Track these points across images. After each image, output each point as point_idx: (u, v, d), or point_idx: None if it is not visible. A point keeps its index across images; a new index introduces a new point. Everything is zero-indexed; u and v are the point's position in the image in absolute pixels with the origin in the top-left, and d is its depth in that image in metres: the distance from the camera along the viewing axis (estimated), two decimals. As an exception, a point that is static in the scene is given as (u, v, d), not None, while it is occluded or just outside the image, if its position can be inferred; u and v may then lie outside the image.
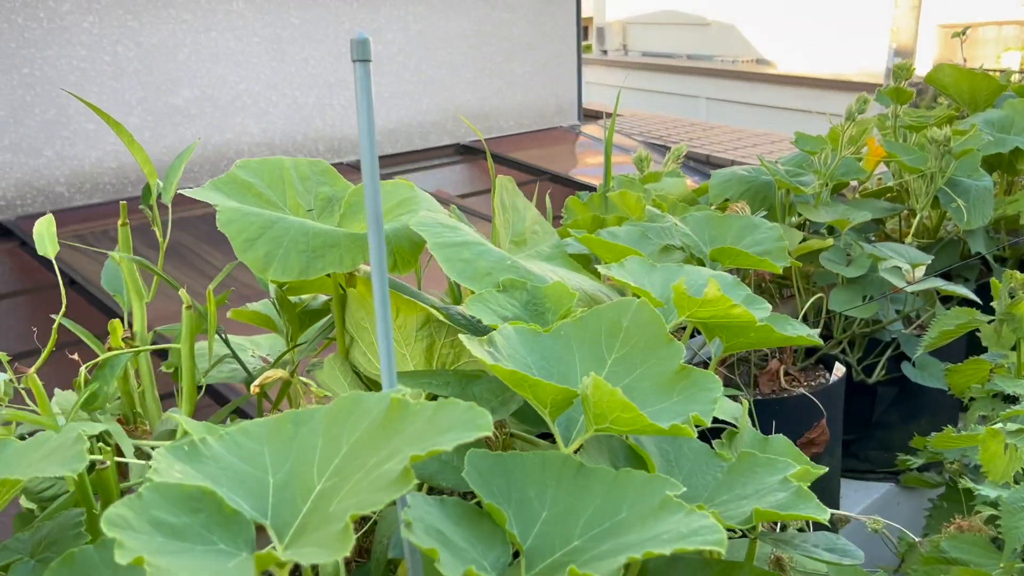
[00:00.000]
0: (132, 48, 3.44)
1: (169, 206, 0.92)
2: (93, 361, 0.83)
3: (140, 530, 0.40)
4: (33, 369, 0.76)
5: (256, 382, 0.85)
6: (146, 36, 3.46)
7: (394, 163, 4.23)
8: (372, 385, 0.88)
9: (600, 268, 0.76)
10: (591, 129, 4.72)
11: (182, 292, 0.83)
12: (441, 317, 0.80)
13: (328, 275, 0.88)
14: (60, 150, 3.35)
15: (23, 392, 0.85)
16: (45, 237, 0.80)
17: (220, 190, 0.82)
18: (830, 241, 1.10)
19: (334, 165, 4.12)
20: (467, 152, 4.46)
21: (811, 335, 0.79)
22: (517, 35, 4.52)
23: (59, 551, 0.52)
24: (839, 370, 1.20)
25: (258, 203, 0.82)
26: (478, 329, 0.80)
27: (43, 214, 3.11)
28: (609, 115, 5.13)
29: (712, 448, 0.66)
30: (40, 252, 0.82)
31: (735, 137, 4.49)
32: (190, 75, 3.60)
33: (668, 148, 4.82)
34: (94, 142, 3.41)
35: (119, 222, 0.87)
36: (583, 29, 4.83)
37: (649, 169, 1.42)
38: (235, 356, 0.91)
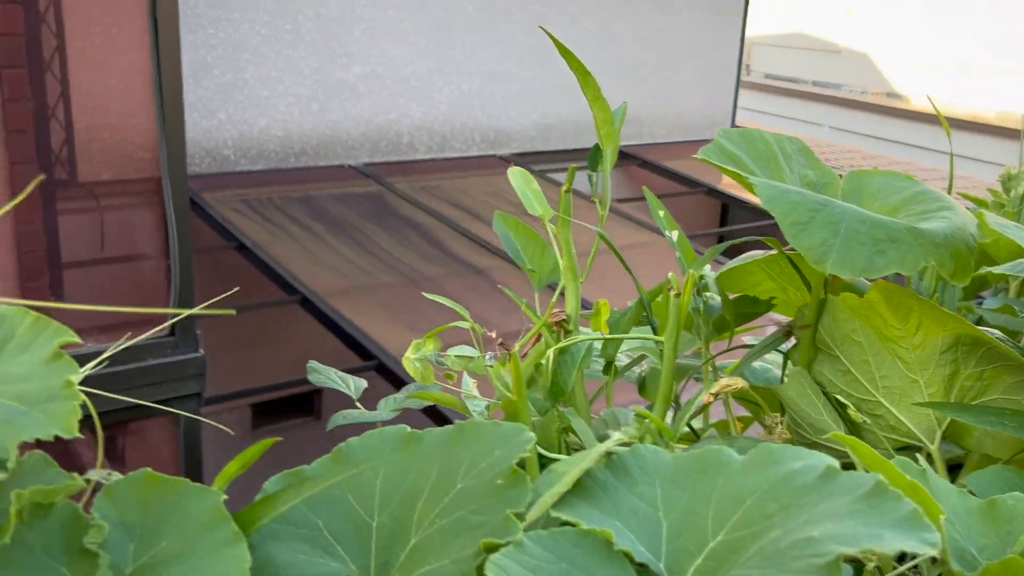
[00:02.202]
0: (312, 18, 3.39)
1: (608, 170, 0.80)
2: (559, 345, 0.71)
3: None
4: (517, 346, 0.65)
5: (713, 390, 0.73)
6: (327, 8, 3.41)
7: (544, 160, 4.13)
8: (841, 410, 0.75)
9: None
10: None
11: (672, 277, 0.71)
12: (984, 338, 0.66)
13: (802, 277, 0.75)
14: (232, 113, 3.31)
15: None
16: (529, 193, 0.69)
17: (712, 160, 0.70)
18: None
19: (490, 157, 4.04)
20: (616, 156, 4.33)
21: None
22: (682, 42, 4.38)
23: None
24: None
25: (752, 181, 0.70)
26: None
27: (210, 175, 3.08)
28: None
29: None
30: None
31: (903, 171, 4.27)
32: (363, 51, 3.54)
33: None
34: (264, 109, 3.37)
35: (563, 188, 0.76)
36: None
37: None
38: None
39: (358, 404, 0.91)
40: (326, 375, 0.92)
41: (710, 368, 0.86)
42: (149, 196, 3.13)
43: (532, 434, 0.45)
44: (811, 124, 8.96)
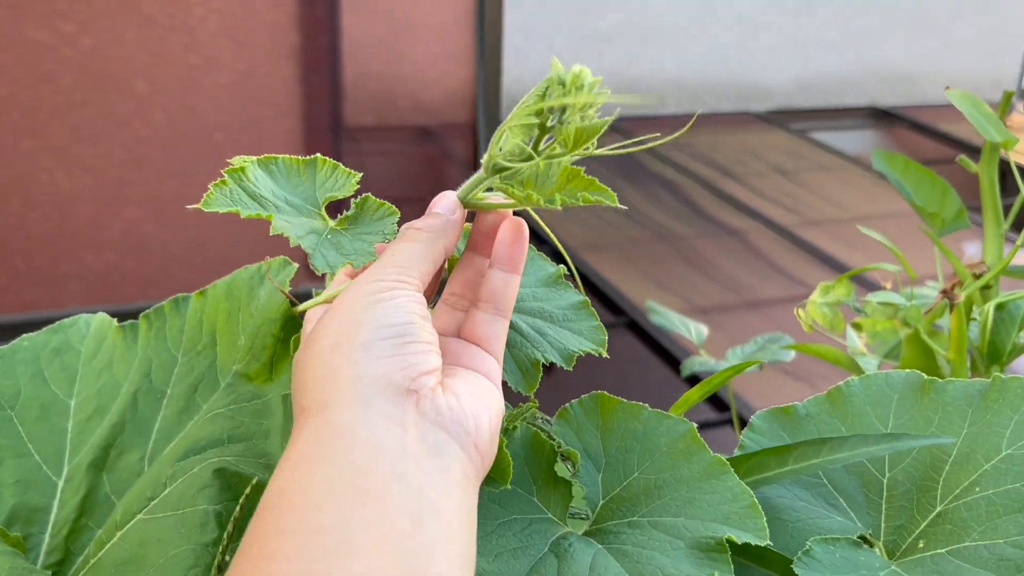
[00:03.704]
0: (571, -34, 3.33)
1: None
2: (999, 299, 0.60)
3: None
4: (963, 296, 0.54)
5: None
6: (587, -47, 3.33)
7: (801, 119, 3.86)
8: None
9: None
10: (1036, 109, 4.03)
11: None
12: None
13: None
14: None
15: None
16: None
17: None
18: None
19: (743, 114, 3.84)
20: (882, 116, 3.98)
21: None
22: (969, -10, 3.93)
23: None
24: None
25: None
26: None
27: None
28: (1050, 96, 4.37)
29: None
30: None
31: None
32: None
33: None
34: (520, 59, 3.37)
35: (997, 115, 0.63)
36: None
37: None
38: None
39: (702, 351, 0.83)
40: (666, 317, 0.85)
41: None
42: (440, 141, 3.24)
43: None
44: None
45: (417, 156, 3.04)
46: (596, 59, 3.45)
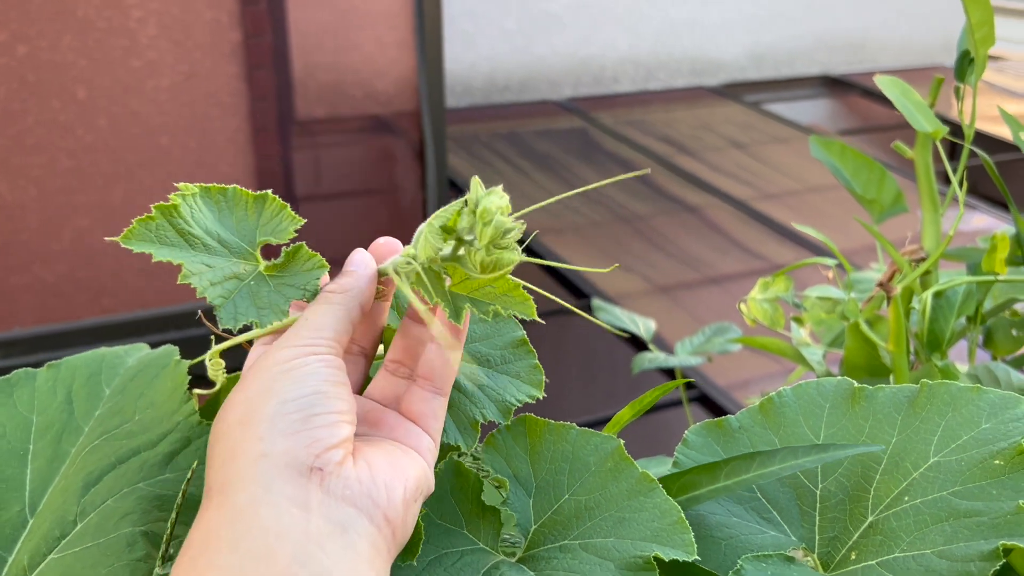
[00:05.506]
0: (518, -53, 3.30)
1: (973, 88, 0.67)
2: (937, 287, 0.60)
3: None
4: (899, 288, 0.54)
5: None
6: (533, -65, 3.31)
7: (754, 91, 3.88)
8: None
9: None
10: (987, 75, 4.08)
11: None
12: None
13: None
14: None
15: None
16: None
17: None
18: None
19: (697, 89, 3.84)
20: (834, 85, 4.01)
21: None
22: (915, -45, 3.96)
23: None
24: None
25: None
26: None
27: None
28: (1002, 59, 4.43)
29: None
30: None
31: None
32: (569, -21, 3.42)
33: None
34: (470, 44, 3.34)
35: (927, 101, 0.63)
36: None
37: None
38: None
39: (651, 347, 0.83)
40: (612, 314, 0.85)
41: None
42: (392, 130, 3.20)
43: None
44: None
45: (371, 146, 3.01)
46: (547, 41, 3.44)
